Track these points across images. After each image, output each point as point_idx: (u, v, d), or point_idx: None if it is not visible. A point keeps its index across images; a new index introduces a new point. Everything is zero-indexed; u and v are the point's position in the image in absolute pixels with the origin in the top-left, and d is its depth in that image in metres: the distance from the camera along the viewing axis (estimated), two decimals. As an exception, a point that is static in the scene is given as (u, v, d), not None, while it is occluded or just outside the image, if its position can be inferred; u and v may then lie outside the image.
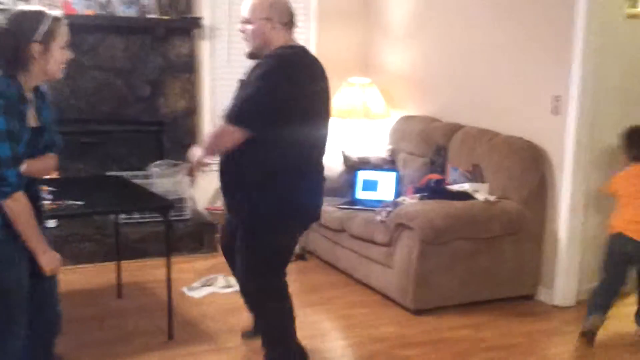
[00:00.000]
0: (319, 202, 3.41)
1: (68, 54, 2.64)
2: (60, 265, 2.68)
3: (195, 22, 5.56)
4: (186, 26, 5.58)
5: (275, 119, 3.06)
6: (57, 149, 2.79)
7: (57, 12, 2.63)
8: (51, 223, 2.95)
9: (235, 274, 3.55)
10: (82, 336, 3.73)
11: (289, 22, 3.22)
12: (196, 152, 3.29)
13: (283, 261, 3.36)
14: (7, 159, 2.45)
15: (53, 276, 2.80)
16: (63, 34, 2.60)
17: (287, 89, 3.06)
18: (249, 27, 3.19)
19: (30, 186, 2.66)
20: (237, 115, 3.08)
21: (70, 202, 3.57)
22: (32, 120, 2.60)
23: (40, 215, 2.73)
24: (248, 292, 3.39)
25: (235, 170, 3.21)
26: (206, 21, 5.68)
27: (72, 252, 4.77)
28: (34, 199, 2.69)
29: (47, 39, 2.54)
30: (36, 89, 2.66)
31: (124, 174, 4.98)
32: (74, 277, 4.58)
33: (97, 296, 4.39)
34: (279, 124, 3.07)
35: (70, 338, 2.89)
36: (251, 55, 3.25)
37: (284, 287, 3.37)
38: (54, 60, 2.58)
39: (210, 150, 3.24)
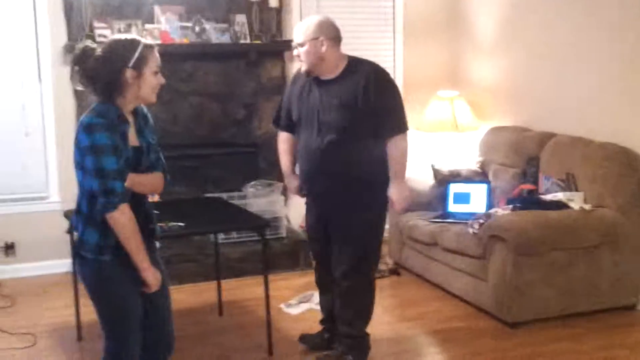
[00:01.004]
0: None
1: (161, 79, 2.75)
2: (159, 284, 2.75)
3: (286, 45, 5.70)
4: (277, 49, 5.74)
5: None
6: (161, 168, 2.89)
7: (148, 40, 2.77)
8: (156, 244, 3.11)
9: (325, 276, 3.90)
10: (186, 353, 3.88)
11: (336, 38, 3.63)
12: (398, 193, 3.69)
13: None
14: (114, 171, 2.57)
15: (167, 298, 2.93)
16: (154, 60, 2.72)
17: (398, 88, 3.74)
18: (302, 49, 3.58)
19: (141, 206, 2.78)
20: (406, 121, 3.69)
21: (172, 223, 3.71)
22: (133, 140, 2.73)
23: (152, 235, 2.86)
24: (353, 280, 3.73)
25: (357, 170, 3.61)
26: (295, 42, 5.82)
27: (174, 272, 4.97)
28: (147, 218, 2.82)
29: (140, 65, 2.66)
30: (135, 111, 2.79)
31: (222, 195, 5.16)
32: (177, 297, 4.74)
33: (199, 314, 4.56)
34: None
35: (176, 356, 3.01)
36: (308, 73, 3.64)
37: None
38: (147, 85, 2.70)
39: (405, 169, 3.75)
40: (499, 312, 4.29)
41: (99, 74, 2.66)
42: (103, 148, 2.56)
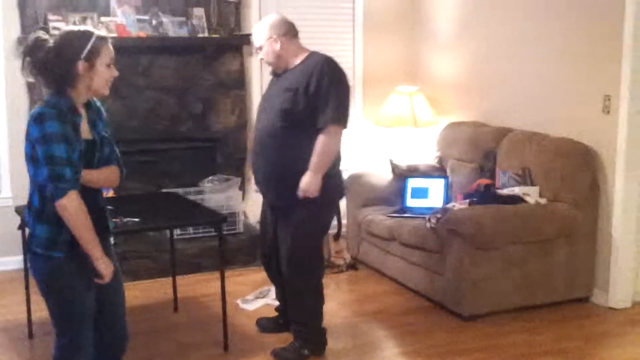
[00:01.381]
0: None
1: (114, 72, 2.73)
2: (112, 275, 2.70)
3: (245, 39, 5.65)
4: (236, 43, 5.69)
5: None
6: (116, 162, 2.86)
7: (101, 32, 2.73)
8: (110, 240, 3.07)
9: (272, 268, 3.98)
10: (140, 350, 3.82)
11: (288, 33, 3.77)
12: (306, 179, 3.60)
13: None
14: (62, 158, 2.53)
15: (120, 295, 2.89)
16: (107, 53, 2.69)
17: (347, 84, 3.72)
18: (262, 52, 3.77)
19: (95, 201, 2.74)
20: (341, 116, 3.60)
21: (127, 219, 3.67)
22: (85, 133, 2.69)
23: (106, 231, 2.83)
24: (295, 273, 3.75)
25: (293, 159, 3.62)
26: (254, 37, 5.79)
27: (129, 268, 4.90)
28: (100, 214, 2.78)
29: (92, 57, 2.64)
30: (88, 104, 2.75)
31: (178, 190, 5.10)
32: (131, 293, 4.67)
33: (154, 311, 4.51)
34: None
35: (130, 353, 2.97)
36: (274, 73, 3.85)
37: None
38: (99, 77, 2.67)
39: (322, 168, 3.61)
40: (455, 306, 4.31)
41: (51, 65, 2.62)
42: (53, 136, 2.52)
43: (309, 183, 3.60)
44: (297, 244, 3.71)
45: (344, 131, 3.66)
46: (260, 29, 3.79)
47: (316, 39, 6.07)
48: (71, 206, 2.55)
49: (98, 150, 2.76)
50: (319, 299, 3.85)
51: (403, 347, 4.02)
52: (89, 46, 2.63)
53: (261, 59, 3.86)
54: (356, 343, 4.03)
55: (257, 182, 3.89)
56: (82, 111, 2.71)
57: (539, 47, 4.94)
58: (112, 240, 2.98)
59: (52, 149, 2.52)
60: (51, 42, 2.64)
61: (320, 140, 3.58)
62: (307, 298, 3.80)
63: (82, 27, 2.75)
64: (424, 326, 4.24)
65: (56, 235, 2.63)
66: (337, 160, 3.74)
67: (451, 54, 5.92)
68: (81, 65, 2.62)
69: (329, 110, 3.56)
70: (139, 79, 5.43)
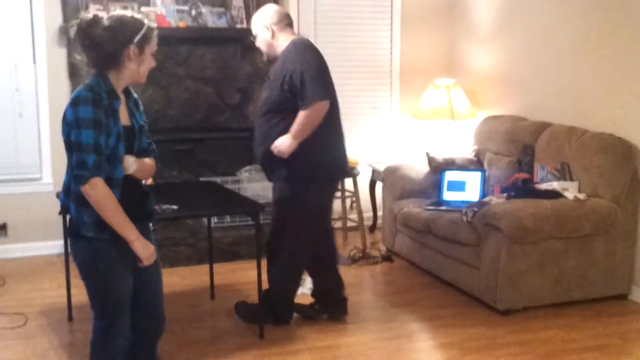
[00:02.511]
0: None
1: (153, 63, 2.79)
2: (152, 257, 2.74)
3: (282, 29, 5.68)
4: (274, 34, 5.70)
5: (332, 86, 3.88)
6: (153, 154, 2.90)
7: (152, 23, 2.80)
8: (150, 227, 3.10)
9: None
10: (178, 336, 3.88)
11: (280, 22, 3.93)
12: (283, 140, 3.77)
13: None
14: (89, 145, 2.55)
15: (158, 279, 2.92)
16: (155, 42, 2.77)
17: (324, 64, 3.85)
18: (257, 40, 3.96)
19: (137, 186, 2.79)
20: (318, 91, 3.71)
21: (165, 206, 3.71)
22: (124, 119, 2.73)
23: (148, 217, 2.87)
24: (274, 248, 3.99)
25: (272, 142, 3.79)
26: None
27: (167, 255, 4.97)
28: (143, 199, 2.83)
29: (143, 43, 2.70)
30: (128, 93, 2.80)
31: (216, 179, 5.14)
32: (169, 280, 4.76)
33: (191, 297, 4.56)
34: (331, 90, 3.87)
35: (167, 338, 3.02)
36: (268, 60, 4.09)
37: None
38: (144, 64, 2.74)
39: (300, 135, 3.75)
40: (491, 300, 4.30)
41: (104, 42, 2.66)
42: (83, 121, 2.56)
43: (283, 143, 3.78)
44: (278, 221, 3.96)
45: (324, 104, 3.77)
46: (256, 18, 3.99)
47: (354, 31, 6.13)
48: (94, 193, 2.58)
49: (137, 138, 2.80)
50: (291, 280, 4.07)
51: (438, 339, 4.01)
52: (142, 32, 2.69)
53: (257, 48, 4.03)
54: (391, 335, 4.03)
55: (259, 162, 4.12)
56: (122, 96, 2.75)
57: (579, 40, 4.89)
58: (151, 226, 3.01)
59: (81, 135, 2.55)
60: (107, 21, 2.68)
61: (302, 113, 3.75)
62: (281, 274, 4.01)
63: (135, 14, 2.79)
64: (458, 319, 4.23)
65: (102, 218, 2.65)
66: (330, 144, 3.91)
67: (490, 47, 5.88)
68: (132, 49, 2.67)
69: (306, 92, 3.72)
70: (178, 68, 5.49)
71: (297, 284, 4.13)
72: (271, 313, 4.03)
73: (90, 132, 2.55)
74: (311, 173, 3.87)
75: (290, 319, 4.12)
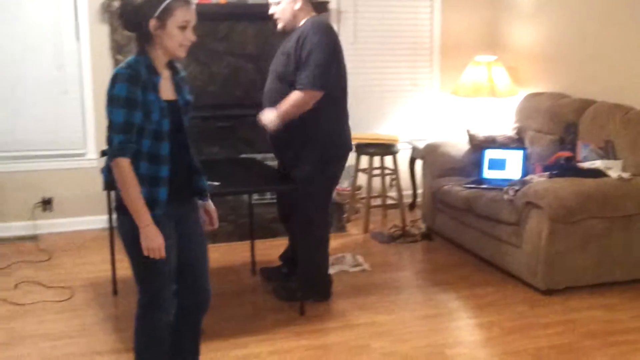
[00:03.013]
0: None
1: (189, 36, 2.71)
2: (158, 249, 2.67)
3: (323, 6, 5.66)
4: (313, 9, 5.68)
5: (337, 77, 3.86)
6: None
7: None
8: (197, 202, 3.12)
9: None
10: (220, 311, 3.93)
11: None
12: (269, 115, 3.86)
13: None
14: (119, 124, 2.59)
15: (203, 254, 2.95)
16: (182, 14, 2.68)
17: (337, 49, 3.86)
18: (279, 7, 3.89)
19: (186, 159, 2.81)
20: (316, 81, 3.73)
21: (207, 182, 3.73)
22: (168, 94, 2.74)
23: (196, 193, 2.91)
24: (303, 227, 3.98)
25: (300, 126, 3.85)
26: (333, 4, 5.79)
27: (209, 232, 5.00)
28: (190, 173, 2.86)
29: (164, 16, 2.66)
30: (174, 68, 2.80)
31: (257, 156, 5.16)
32: (211, 256, 4.70)
33: (233, 273, 4.61)
34: (337, 81, 3.87)
35: (209, 313, 3.05)
36: (284, 30, 3.95)
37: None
38: (170, 38, 2.68)
39: (286, 117, 3.82)
40: (532, 279, 4.28)
41: (131, 21, 2.70)
42: (116, 99, 2.59)
43: (268, 119, 3.88)
44: (305, 199, 3.90)
45: (315, 94, 3.79)
46: None
47: (395, 6, 6.08)
48: (117, 172, 2.61)
49: (184, 114, 2.81)
50: (325, 254, 4.13)
51: (479, 318, 4.01)
52: (162, 5, 2.66)
53: (272, 15, 3.94)
54: (431, 313, 4.04)
55: (268, 143, 4.16)
56: (166, 72, 2.76)
57: (623, 16, 4.79)
58: (199, 202, 3.02)
59: (113, 113, 2.59)
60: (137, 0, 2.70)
61: (294, 94, 3.80)
62: (314, 250, 4.05)
63: None
64: (499, 298, 4.22)
65: (154, 195, 2.69)
66: (345, 124, 4.03)
67: (532, 23, 5.79)
68: (152, 23, 2.66)
69: (306, 73, 3.75)
70: (219, 45, 5.51)
71: (328, 256, 4.19)
72: (312, 290, 4.07)
73: (121, 111, 2.58)
74: (334, 152, 3.98)
75: (331, 291, 4.17)
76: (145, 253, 2.68)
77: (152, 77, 2.68)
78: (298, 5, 3.87)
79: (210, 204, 3.06)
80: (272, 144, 4.12)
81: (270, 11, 3.95)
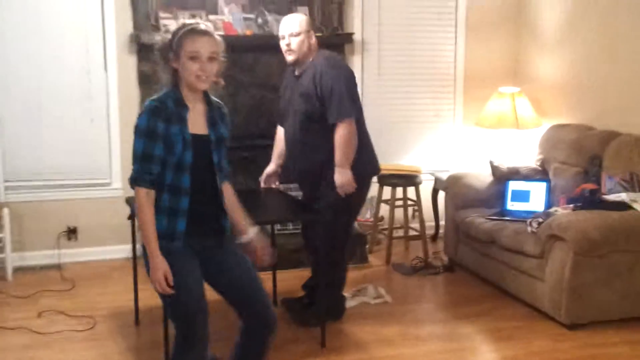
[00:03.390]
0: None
1: (204, 67, 2.71)
2: (158, 281, 2.68)
3: (347, 38, 5.73)
4: (338, 42, 5.74)
5: (358, 104, 4.00)
6: (226, 175, 2.98)
7: (197, 24, 2.78)
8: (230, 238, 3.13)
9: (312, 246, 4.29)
10: (241, 341, 3.93)
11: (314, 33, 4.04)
12: (339, 177, 3.93)
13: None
14: (138, 154, 2.69)
15: (251, 277, 2.94)
16: (191, 45, 2.71)
17: (353, 77, 4.00)
18: (296, 39, 3.91)
19: (215, 199, 2.87)
20: (345, 110, 3.85)
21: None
22: (199, 127, 2.78)
23: (222, 231, 2.91)
24: (328, 250, 4.00)
25: (320, 152, 3.96)
26: (357, 36, 5.84)
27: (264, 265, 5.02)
28: (218, 213, 2.89)
29: (178, 48, 2.74)
30: (210, 103, 2.84)
31: (279, 186, 5.17)
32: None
33: (255, 303, 4.61)
34: (359, 107, 4.01)
35: (229, 343, 3.06)
36: (295, 63, 4.00)
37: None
38: (184, 69, 2.74)
39: (348, 159, 3.92)
40: (556, 313, 4.23)
41: (162, 57, 2.80)
42: (138, 130, 2.69)
43: (341, 179, 3.92)
44: (331, 224, 3.95)
45: (352, 121, 3.90)
46: (300, 19, 3.98)
47: (418, 37, 6.11)
48: (136, 199, 2.72)
49: (214, 149, 2.83)
50: (344, 277, 4.28)
51: (501, 352, 3.96)
52: (176, 38, 2.73)
53: (287, 46, 3.95)
54: (453, 347, 4.01)
55: (294, 179, 4.35)
56: (200, 106, 2.80)
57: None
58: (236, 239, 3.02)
59: (135, 143, 2.70)
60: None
61: (337, 137, 3.88)
62: (337, 273, 4.18)
63: (187, 21, 2.85)
64: (523, 332, 4.17)
65: (172, 226, 2.72)
66: (368, 146, 4.11)
67: (556, 54, 5.79)
68: (171, 56, 2.75)
69: (333, 107, 3.85)
70: (244, 76, 5.56)
71: (345, 276, 4.31)
72: (330, 311, 4.13)
73: (141, 141, 2.68)
74: (361, 175, 4.03)
75: (344, 309, 4.33)
76: (155, 286, 2.71)
77: (180, 110, 2.72)
78: (314, 39, 3.98)
79: (250, 244, 3.05)
80: (300, 179, 4.26)
81: (285, 42, 3.97)
